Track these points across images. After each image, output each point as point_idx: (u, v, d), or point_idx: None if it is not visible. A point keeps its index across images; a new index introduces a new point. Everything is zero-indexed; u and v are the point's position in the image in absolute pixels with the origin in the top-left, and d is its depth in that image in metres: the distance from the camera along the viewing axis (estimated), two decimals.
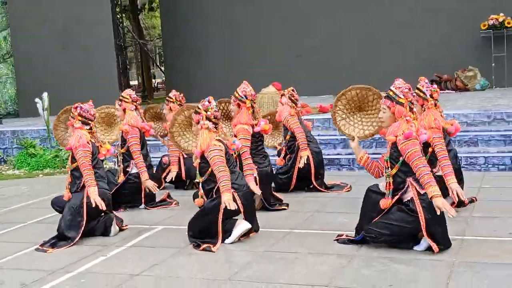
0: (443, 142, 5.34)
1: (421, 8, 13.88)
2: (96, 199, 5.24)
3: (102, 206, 5.24)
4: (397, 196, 4.46)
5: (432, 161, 5.29)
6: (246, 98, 6.12)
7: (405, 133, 4.37)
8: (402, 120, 4.44)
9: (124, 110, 6.64)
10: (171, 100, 7.44)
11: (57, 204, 5.72)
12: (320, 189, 6.82)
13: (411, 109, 4.49)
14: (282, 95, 6.98)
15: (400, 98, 4.48)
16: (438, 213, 4.23)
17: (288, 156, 6.87)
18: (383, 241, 4.52)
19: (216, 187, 4.90)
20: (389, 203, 4.49)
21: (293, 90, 6.97)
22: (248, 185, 5.21)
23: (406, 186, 4.44)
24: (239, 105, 6.14)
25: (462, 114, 8.47)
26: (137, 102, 6.73)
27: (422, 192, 4.36)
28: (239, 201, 4.88)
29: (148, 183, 6.38)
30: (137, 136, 6.51)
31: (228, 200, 4.73)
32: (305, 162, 6.69)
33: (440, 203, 4.20)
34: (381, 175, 4.83)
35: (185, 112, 6.14)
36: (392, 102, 4.50)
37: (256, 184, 5.72)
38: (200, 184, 5.05)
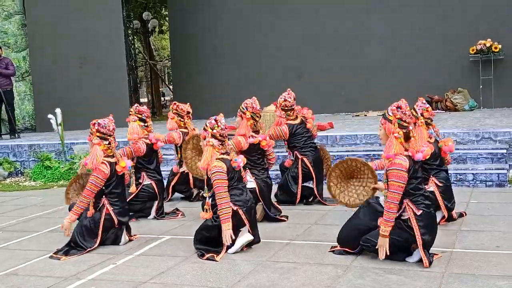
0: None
1: (414, 33, 13.94)
2: (64, 225, 5.24)
3: (65, 233, 5.25)
4: (395, 216, 4.46)
5: (426, 178, 5.31)
6: (246, 110, 6.16)
7: (387, 155, 4.39)
8: (391, 137, 4.45)
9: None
10: (170, 110, 7.50)
11: None
12: (322, 201, 6.77)
13: (401, 126, 4.43)
14: (276, 107, 6.96)
15: (389, 115, 4.49)
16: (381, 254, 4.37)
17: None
18: (377, 251, 4.51)
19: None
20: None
21: (285, 100, 6.79)
22: (253, 200, 5.16)
23: (403, 207, 4.44)
24: (241, 116, 6.19)
25: (452, 133, 8.48)
26: (142, 115, 6.60)
27: (418, 213, 4.37)
28: (244, 217, 4.90)
29: None
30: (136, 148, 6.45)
31: (227, 232, 4.75)
32: (305, 167, 6.71)
33: (380, 243, 4.38)
34: None
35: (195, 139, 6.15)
36: (385, 120, 4.53)
37: (257, 193, 5.84)
38: (207, 198, 5.03)
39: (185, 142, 6.26)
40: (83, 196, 5.25)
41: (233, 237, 4.81)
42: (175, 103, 7.50)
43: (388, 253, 4.40)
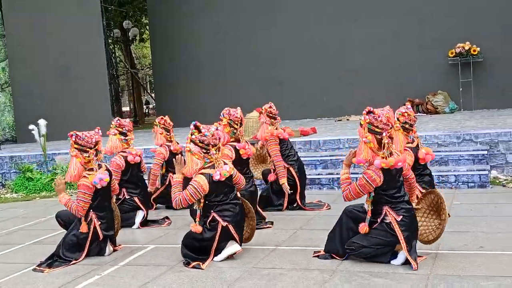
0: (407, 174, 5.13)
1: (393, 37, 14.06)
2: (60, 197, 5.23)
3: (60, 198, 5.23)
4: (377, 222, 4.49)
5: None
6: (223, 116, 6.13)
7: (357, 160, 4.46)
8: (361, 141, 4.46)
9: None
10: (155, 124, 7.43)
11: (61, 218, 5.61)
12: (303, 207, 6.81)
13: (372, 131, 4.41)
14: (260, 113, 6.93)
15: (361, 119, 4.52)
16: None
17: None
18: (363, 252, 4.53)
19: (210, 218, 4.86)
20: (366, 230, 4.51)
21: (270, 107, 6.87)
22: (241, 212, 5.07)
23: (384, 213, 4.48)
24: (219, 124, 6.17)
25: (433, 135, 8.55)
26: (123, 128, 6.56)
27: (398, 218, 4.42)
28: (233, 231, 4.87)
29: None
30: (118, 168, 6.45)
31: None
32: (290, 178, 6.71)
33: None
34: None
35: None
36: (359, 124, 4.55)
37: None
38: (198, 210, 4.95)
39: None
40: (77, 211, 5.18)
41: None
42: (162, 118, 7.43)
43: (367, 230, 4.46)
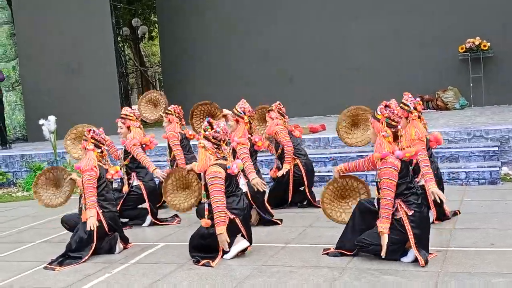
0: (425, 153, 5.32)
1: (404, 33, 13.98)
2: (91, 222, 5.19)
3: (92, 227, 5.18)
4: (391, 212, 4.47)
5: (415, 170, 5.31)
6: (244, 114, 6.15)
7: (382, 154, 4.41)
8: (379, 136, 4.46)
9: (128, 127, 6.68)
10: (169, 112, 7.47)
11: (67, 223, 5.70)
12: (314, 203, 6.79)
13: (390, 125, 4.46)
14: (270, 110, 6.92)
15: (378, 114, 4.51)
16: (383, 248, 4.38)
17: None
18: (372, 250, 4.53)
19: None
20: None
21: (279, 104, 6.93)
22: (248, 205, 5.13)
23: (395, 208, 4.45)
24: (237, 121, 6.16)
25: (443, 132, 8.50)
26: (139, 119, 6.84)
27: (410, 213, 4.39)
28: (240, 225, 4.88)
29: (157, 172, 6.37)
30: (138, 146, 6.53)
31: (222, 238, 4.72)
32: (297, 172, 6.72)
33: (384, 240, 4.37)
34: (366, 167, 4.74)
35: (174, 175, 6.11)
36: (374, 119, 4.55)
37: (249, 197, 5.78)
38: (206, 204, 4.97)
39: (165, 178, 6.12)
40: (88, 192, 5.25)
41: (228, 241, 4.79)
42: (177, 107, 7.54)
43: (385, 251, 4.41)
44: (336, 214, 5.13)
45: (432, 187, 5.01)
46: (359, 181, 5.12)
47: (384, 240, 4.39)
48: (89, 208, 5.24)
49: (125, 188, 6.57)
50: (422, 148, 5.25)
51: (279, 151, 6.80)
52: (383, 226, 4.39)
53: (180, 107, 7.61)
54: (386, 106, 4.53)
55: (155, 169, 6.40)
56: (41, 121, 10.26)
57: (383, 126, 4.45)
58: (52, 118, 10.26)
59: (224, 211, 4.78)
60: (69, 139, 7.46)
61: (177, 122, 7.43)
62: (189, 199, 6.06)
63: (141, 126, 6.85)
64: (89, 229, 5.19)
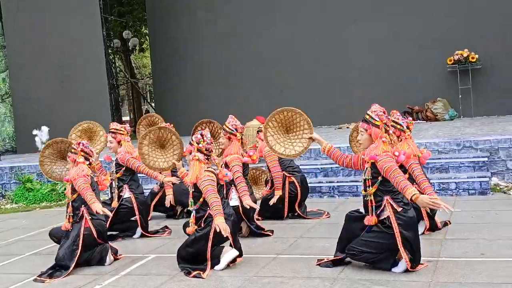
0: (420, 168, 5.38)
1: (392, 45, 14.10)
2: (104, 210, 5.15)
3: (107, 212, 5.19)
4: (377, 214, 4.48)
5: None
6: (237, 131, 6.14)
7: (370, 156, 4.45)
8: (378, 141, 4.49)
9: (119, 142, 6.64)
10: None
11: (55, 235, 5.67)
12: (303, 215, 6.81)
13: (386, 131, 4.52)
14: (260, 130, 6.89)
15: (376, 120, 4.54)
16: (430, 207, 4.29)
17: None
18: (364, 258, 4.53)
19: (206, 216, 4.89)
20: (374, 220, 4.48)
21: None
22: (235, 215, 5.15)
23: (383, 205, 4.46)
24: (229, 138, 6.14)
25: (433, 142, 8.56)
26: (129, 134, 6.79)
27: (399, 209, 4.40)
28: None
29: (166, 179, 6.49)
30: (134, 158, 6.48)
31: (221, 223, 4.68)
32: (293, 190, 6.72)
33: (425, 201, 4.19)
34: (346, 165, 4.80)
35: (151, 134, 5.88)
36: (369, 124, 4.57)
37: (240, 211, 5.77)
38: (193, 211, 4.99)
39: (140, 137, 5.91)
40: (86, 192, 5.22)
41: (229, 229, 4.76)
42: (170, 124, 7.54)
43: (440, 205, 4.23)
44: (281, 149, 5.10)
45: (431, 193, 5.00)
46: (302, 116, 5.08)
47: (423, 200, 4.20)
48: (93, 203, 5.19)
49: (114, 203, 6.51)
50: (416, 164, 5.33)
51: (271, 174, 6.80)
52: (410, 191, 4.21)
53: (172, 125, 7.51)
54: (383, 112, 4.59)
55: (165, 177, 6.49)
56: (35, 131, 10.22)
57: (382, 132, 4.49)
58: (45, 129, 10.22)
59: (220, 203, 4.80)
60: (75, 133, 7.52)
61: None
62: (169, 157, 5.82)
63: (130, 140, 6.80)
64: (102, 213, 5.15)
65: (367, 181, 4.52)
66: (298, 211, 6.81)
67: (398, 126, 5.55)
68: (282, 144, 5.13)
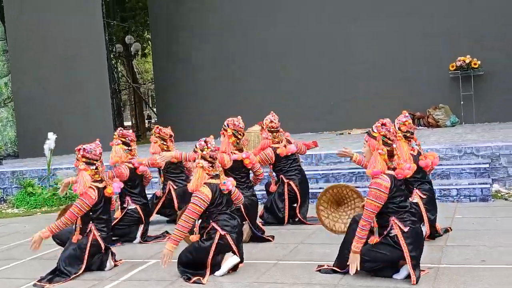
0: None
1: (395, 52, 14.14)
2: (35, 237, 5.12)
3: (33, 246, 5.13)
4: (384, 234, 4.45)
5: (410, 189, 5.36)
6: (228, 127, 6.15)
7: (373, 171, 4.41)
8: (375, 153, 4.48)
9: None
10: (153, 134, 7.48)
11: (59, 238, 5.63)
12: (304, 221, 6.79)
13: (386, 143, 4.47)
14: (262, 128, 6.95)
15: (374, 132, 4.53)
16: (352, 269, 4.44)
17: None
18: (366, 267, 4.50)
19: (209, 228, 4.87)
20: (376, 241, 4.47)
21: (271, 122, 6.84)
22: (240, 226, 5.11)
23: (390, 225, 4.44)
24: (223, 134, 6.18)
25: (435, 149, 8.54)
26: (126, 138, 6.67)
27: (405, 230, 4.39)
28: (231, 242, 4.87)
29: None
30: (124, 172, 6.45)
31: (166, 252, 4.73)
32: (291, 191, 6.72)
33: (352, 259, 4.43)
34: None
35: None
36: (369, 136, 4.57)
37: (243, 212, 5.80)
38: (196, 221, 4.95)
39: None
40: (65, 218, 5.17)
41: (170, 261, 4.76)
42: (157, 127, 7.50)
43: (358, 269, 4.43)
44: (330, 223, 5.11)
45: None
46: (355, 192, 5.12)
47: (355, 259, 4.41)
48: (48, 228, 5.13)
49: (118, 214, 6.49)
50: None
51: (270, 167, 6.81)
52: (356, 245, 4.40)
53: (160, 128, 7.47)
54: (382, 124, 4.55)
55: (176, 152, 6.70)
56: (48, 141, 10.17)
57: (379, 144, 4.47)
58: (52, 136, 10.19)
59: (183, 231, 4.76)
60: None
61: (155, 142, 7.32)
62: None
63: (131, 143, 6.72)
64: (31, 244, 5.12)
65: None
66: (299, 216, 6.80)
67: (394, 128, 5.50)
68: (334, 219, 5.12)
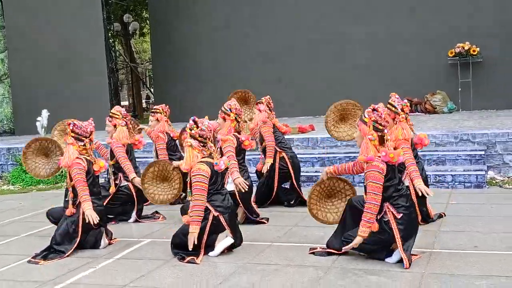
0: (410, 152, 5.35)
1: (393, 37, 14.05)
2: (92, 214, 5.12)
3: (95, 221, 5.13)
4: (378, 218, 4.46)
5: (400, 170, 5.34)
6: (231, 111, 6.14)
7: (367, 157, 4.40)
8: (366, 139, 4.47)
9: (115, 125, 6.63)
10: (158, 111, 7.47)
11: (53, 216, 5.64)
12: (303, 197, 6.75)
13: (376, 129, 4.46)
14: (260, 102, 6.98)
15: (365, 117, 4.52)
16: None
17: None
18: (359, 248, 4.53)
19: (204, 208, 4.88)
20: (376, 227, 4.45)
21: (269, 99, 7.02)
22: (233, 205, 5.15)
23: (383, 211, 4.46)
24: (224, 118, 6.16)
25: (431, 135, 8.54)
26: (127, 118, 6.72)
27: (398, 216, 4.40)
28: (225, 223, 4.89)
29: (135, 180, 6.34)
30: (122, 148, 6.47)
31: (191, 235, 4.74)
32: (283, 165, 6.79)
33: (356, 241, 4.41)
34: (355, 171, 4.76)
35: (157, 165, 6.16)
36: (360, 121, 4.55)
37: (237, 196, 5.80)
38: (191, 202, 4.95)
39: (147, 166, 6.15)
40: (79, 185, 5.18)
41: (196, 242, 4.77)
42: (166, 105, 7.60)
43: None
44: (322, 214, 5.13)
45: (418, 184, 5.05)
46: (346, 182, 5.12)
47: (357, 241, 4.42)
48: (85, 201, 5.17)
49: (112, 189, 6.50)
50: (407, 148, 5.27)
51: (264, 143, 6.83)
52: (363, 229, 4.40)
53: (167, 106, 7.61)
54: (373, 109, 4.53)
55: (134, 177, 6.36)
56: (39, 118, 10.21)
57: (369, 130, 4.45)
58: (44, 113, 10.19)
59: (201, 210, 4.79)
60: (57, 130, 7.48)
61: (166, 121, 7.43)
62: (165, 193, 6.11)
63: (133, 124, 6.80)
64: (93, 222, 5.11)
65: (365, 187, 4.49)
66: (299, 191, 6.86)
67: (393, 109, 5.48)
68: (325, 210, 5.16)
